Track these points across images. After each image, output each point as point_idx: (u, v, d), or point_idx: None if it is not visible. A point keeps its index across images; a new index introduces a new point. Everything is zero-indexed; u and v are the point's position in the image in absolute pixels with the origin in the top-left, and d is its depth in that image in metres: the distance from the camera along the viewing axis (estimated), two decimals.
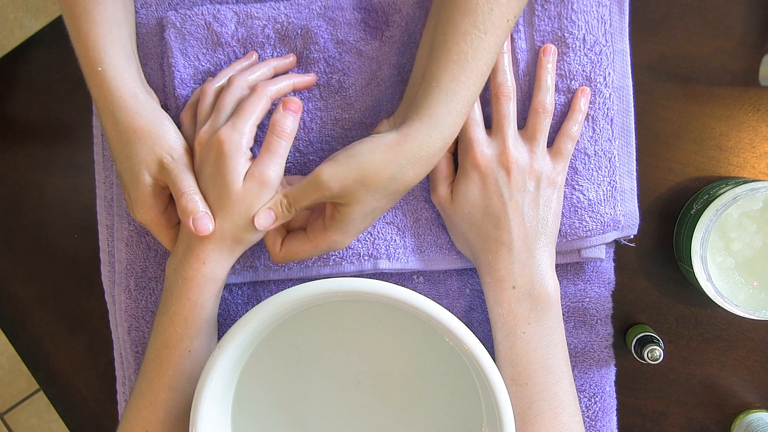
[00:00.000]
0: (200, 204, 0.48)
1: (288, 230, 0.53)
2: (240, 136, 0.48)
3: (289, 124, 0.49)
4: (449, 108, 0.46)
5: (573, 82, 0.52)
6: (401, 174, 0.47)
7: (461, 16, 0.46)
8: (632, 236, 0.54)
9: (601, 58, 0.52)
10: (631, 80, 0.54)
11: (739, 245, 0.51)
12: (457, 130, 0.47)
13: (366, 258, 0.54)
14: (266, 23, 0.54)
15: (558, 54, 0.52)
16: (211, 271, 0.49)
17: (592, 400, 0.56)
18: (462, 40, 0.46)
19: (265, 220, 0.48)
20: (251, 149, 0.49)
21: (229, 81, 0.51)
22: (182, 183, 0.49)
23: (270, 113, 0.52)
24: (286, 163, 0.52)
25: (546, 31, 0.53)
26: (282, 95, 0.52)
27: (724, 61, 0.55)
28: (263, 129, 0.53)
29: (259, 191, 0.48)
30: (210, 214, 0.48)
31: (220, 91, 0.52)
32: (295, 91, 0.54)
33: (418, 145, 0.46)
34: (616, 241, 0.56)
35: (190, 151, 0.51)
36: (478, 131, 0.51)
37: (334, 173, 0.46)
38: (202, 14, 0.55)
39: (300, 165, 0.55)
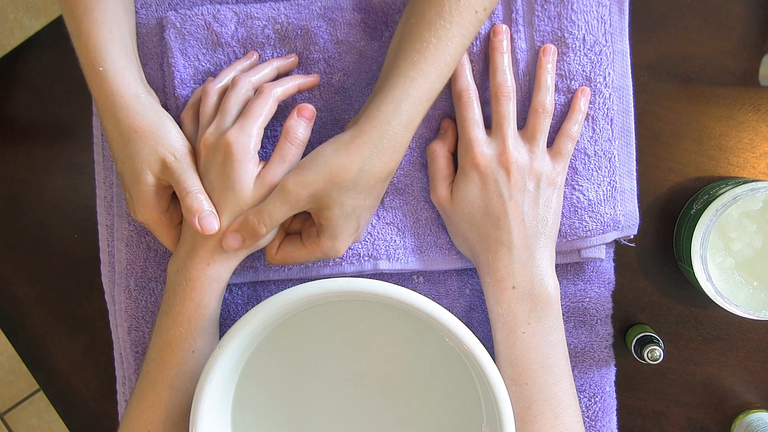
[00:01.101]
0: (205, 203, 0.48)
1: (288, 231, 0.53)
2: (248, 138, 0.48)
3: (301, 131, 0.50)
4: (408, 94, 0.46)
5: (573, 82, 0.52)
6: (368, 165, 0.46)
7: (428, 7, 0.46)
8: (632, 236, 0.54)
9: (601, 58, 0.52)
10: (631, 80, 0.54)
11: (739, 245, 0.51)
12: (417, 117, 0.47)
13: (366, 258, 0.54)
14: (266, 23, 0.54)
15: (558, 54, 0.52)
16: (215, 272, 0.49)
17: (592, 400, 0.56)
18: (426, 30, 0.46)
19: (232, 243, 0.48)
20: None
21: (234, 82, 0.51)
22: (187, 182, 0.49)
23: (274, 116, 0.52)
24: None
25: (546, 31, 0.53)
26: (288, 96, 0.52)
27: (724, 61, 0.55)
28: (265, 131, 0.53)
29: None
30: (215, 213, 0.48)
31: (223, 92, 0.52)
32: (299, 92, 0.54)
33: (378, 134, 0.46)
34: (616, 241, 0.56)
35: (193, 150, 0.51)
36: (478, 131, 0.51)
37: (301, 180, 0.46)
38: (202, 14, 0.55)
39: None
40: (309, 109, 0.50)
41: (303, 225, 0.53)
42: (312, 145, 0.55)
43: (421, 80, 0.46)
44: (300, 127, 0.50)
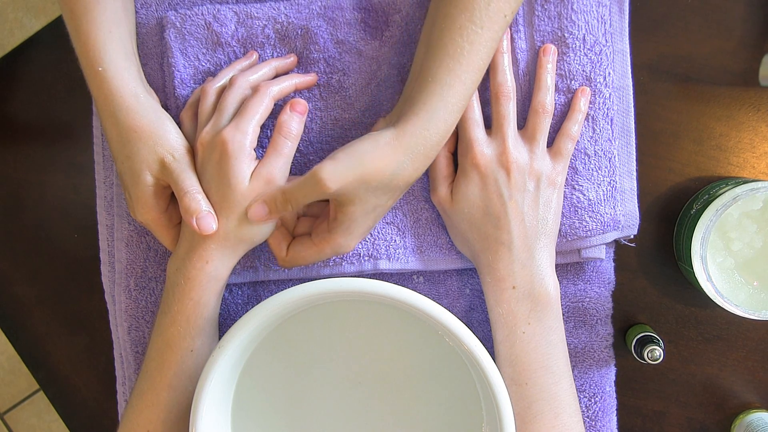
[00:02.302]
0: (203, 203, 0.48)
1: (294, 235, 0.53)
2: (244, 136, 0.48)
3: (295, 125, 0.50)
4: (445, 102, 0.46)
5: (573, 82, 0.52)
6: (401, 170, 0.47)
7: (458, 12, 0.46)
8: (632, 236, 0.54)
9: (601, 58, 0.52)
10: (631, 80, 0.54)
11: (739, 245, 0.51)
12: (453, 124, 0.47)
13: (366, 258, 0.54)
14: (266, 23, 0.54)
15: (558, 54, 0.52)
16: (214, 270, 0.49)
17: (592, 400, 0.56)
18: (458, 35, 0.46)
19: (258, 212, 0.48)
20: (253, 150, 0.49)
21: (231, 81, 0.51)
22: (185, 182, 0.49)
23: (272, 114, 0.52)
24: None
25: (546, 31, 0.53)
26: (284, 95, 0.52)
27: (724, 61, 0.55)
28: (263, 129, 0.53)
29: (265, 191, 0.48)
30: (213, 213, 0.48)
31: (222, 91, 0.52)
32: (297, 91, 0.54)
33: (415, 140, 0.46)
34: (616, 241, 0.56)
35: (192, 150, 0.51)
36: (478, 131, 0.51)
37: (333, 172, 0.46)
38: (202, 14, 0.55)
39: (300, 165, 0.55)
40: (301, 104, 0.50)
41: (311, 227, 0.53)
42: (312, 144, 0.55)
43: (458, 86, 0.46)
44: (293, 121, 0.50)
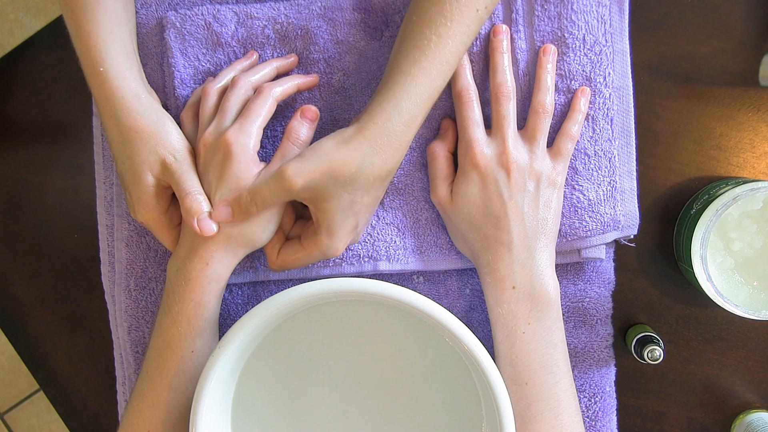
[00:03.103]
0: (204, 204, 0.48)
1: (288, 238, 0.53)
2: (248, 138, 0.48)
3: (304, 132, 0.50)
4: (409, 92, 0.46)
5: (573, 82, 0.52)
6: (368, 163, 0.46)
7: (429, 5, 0.46)
8: (632, 236, 0.54)
9: (601, 58, 0.52)
10: (631, 80, 0.54)
11: (739, 245, 0.51)
12: (419, 115, 0.47)
13: (366, 259, 0.54)
14: (266, 23, 0.54)
15: (558, 54, 0.52)
16: (214, 272, 0.49)
17: (592, 400, 0.56)
18: (427, 27, 0.46)
19: (220, 214, 0.48)
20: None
21: (233, 81, 0.51)
22: (186, 183, 0.49)
23: (274, 115, 0.52)
24: None
25: (546, 31, 0.53)
26: (287, 96, 0.52)
27: (724, 61, 0.55)
28: (264, 131, 0.53)
29: None
30: None
31: (223, 92, 0.52)
32: (299, 92, 0.54)
33: (378, 131, 0.46)
34: (616, 241, 0.56)
35: (193, 151, 0.51)
36: (478, 131, 0.51)
37: (299, 169, 0.46)
38: (202, 14, 0.55)
39: None
40: (312, 111, 0.50)
41: (302, 229, 0.53)
42: None
43: (423, 78, 0.46)
44: (303, 128, 0.50)
